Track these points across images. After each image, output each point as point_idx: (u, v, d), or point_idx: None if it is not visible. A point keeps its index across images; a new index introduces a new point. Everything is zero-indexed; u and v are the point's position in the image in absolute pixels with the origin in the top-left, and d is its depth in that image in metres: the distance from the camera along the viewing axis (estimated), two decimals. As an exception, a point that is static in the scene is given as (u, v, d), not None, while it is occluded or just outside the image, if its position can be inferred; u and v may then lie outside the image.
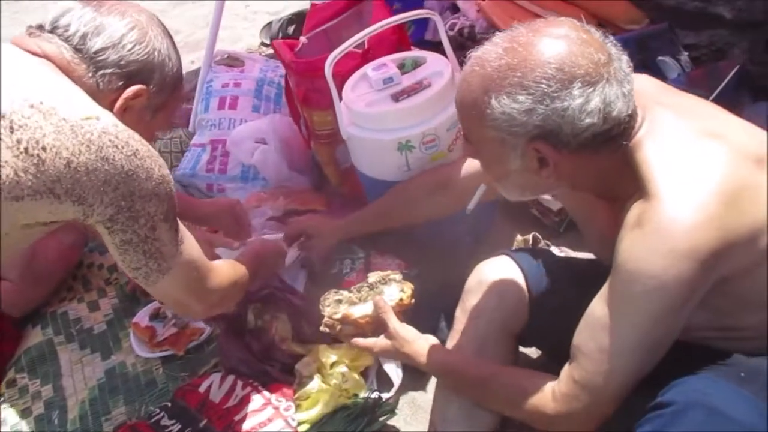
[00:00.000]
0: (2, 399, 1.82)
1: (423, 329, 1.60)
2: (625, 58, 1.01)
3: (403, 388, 1.65)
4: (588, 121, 0.97)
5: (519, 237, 1.90)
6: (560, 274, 1.41)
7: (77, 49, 1.09)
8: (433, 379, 1.57)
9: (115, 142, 0.99)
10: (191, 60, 3.41)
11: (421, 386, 1.66)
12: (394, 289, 1.37)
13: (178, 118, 2.72)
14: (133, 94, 1.12)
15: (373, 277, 1.41)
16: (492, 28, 2.33)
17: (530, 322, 1.35)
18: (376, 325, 1.32)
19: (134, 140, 1.02)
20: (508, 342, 1.37)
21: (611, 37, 1.03)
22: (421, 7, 2.63)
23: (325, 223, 1.78)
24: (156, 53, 1.14)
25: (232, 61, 2.55)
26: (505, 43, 1.01)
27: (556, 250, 1.86)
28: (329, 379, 1.61)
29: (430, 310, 1.67)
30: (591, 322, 1.05)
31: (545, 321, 1.32)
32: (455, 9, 2.50)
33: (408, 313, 1.35)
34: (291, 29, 3.23)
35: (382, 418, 1.58)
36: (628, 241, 0.98)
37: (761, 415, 0.94)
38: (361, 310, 1.34)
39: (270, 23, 3.34)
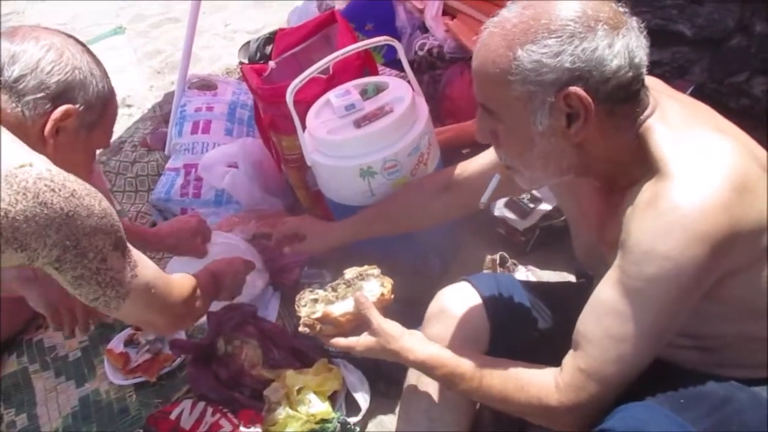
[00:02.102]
0: (-24, 429, 1.83)
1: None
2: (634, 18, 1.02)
3: (371, 412, 1.67)
4: (616, 63, 0.96)
5: (488, 257, 1.91)
6: (521, 300, 1.43)
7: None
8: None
9: (51, 185, 0.99)
10: (171, 81, 3.43)
11: (389, 409, 1.67)
12: (373, 284, 1.30)
13: (155, 141, 2.74)
14: (61, 115, 1.12)
15: (349, 273, 1.34)
16: (460, 48, 2.36)
17: (491, 349, 1.36)
18: (357, 323, 1.26)
19: (70, 181, 1.02)
20: None
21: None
22: (393, 28, 2.66)
23: (318, 224, 1.72)
24: (76, 71, 1.13)
25: (205, 84, 2.57)
26: (521, 3, 1.02)
27: (522, 269, 1.88)
28: (297, 405, 1.63)
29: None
30: (597, 308, 1.03)
31: (506, 347, 1.33)
32: (425, 29, 2.52)
33: (390, 309, 1.28)
34: (269, 48, 3.24)
35: (350, 443, 1.60)
36: (641, 221, 0.97)
37: None
38: (341, 308, 1.27)
39: (248, 43, 3.36)
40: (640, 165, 1.02)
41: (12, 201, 0.96)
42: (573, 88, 0.98)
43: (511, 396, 1.10)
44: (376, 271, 1.33)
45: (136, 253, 1.17)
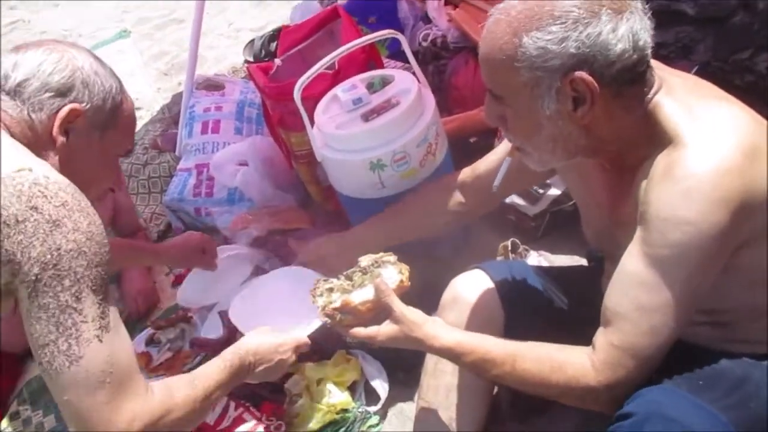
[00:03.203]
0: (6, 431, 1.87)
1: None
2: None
3: (391, 401, 1.70)
4: (620, 47, 0.98)
5: (501, 244, 1.93)
6: (534, 284, 1.45)
7: (1, 90, 1.10)
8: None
9: (45, 192, 0.98)
10: (179, 82, 3.46)
11: (408, 397, 1.70)
12: (391, 271, 1.26)
13: (166, 143, 2.78)
14: (67, 114, 1.11)
15: (365, 260, 1.30)
16: (463, 37, 2.36)
17: (506, 334, 1.38)
18: (377, 311, 1.21)
19: (65, 193, 1.00)
20: None
21: None
22: (396, 19, 2.67)
23: (334, 244, 1.68)
24: (79, 71, 1.13)
25: (212, 84, 2.60)
26: None
27: (534, 255, 1.90)
28: (318, 396, 1.66)
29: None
30: (623, 281, 1.03)
31: (521, 331, 1.35)
32: (428, 20, 2.52)
33: (405, 297, 1.23)
34: (273, 45, 3.26)
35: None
36: (659, 190, 0.98)
37: (713, 422, 0.99)
38: (360, 296, 1.21)
39: (253, 41, 3.38)
40: (650, 141, 1.03)
41: (6, 204, 0.96)
42: (578, 73, 0.99)
43: (548, 378, 1.08)
44: (393, 257, 1.30)
45: (117, 320, 1.03)
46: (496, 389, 1.53)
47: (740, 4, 1.90)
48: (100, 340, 0.98)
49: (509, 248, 1.89)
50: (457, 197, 1.57)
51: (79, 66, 1.14)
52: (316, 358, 1.74)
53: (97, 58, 1.19)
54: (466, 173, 1.57)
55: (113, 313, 1.02)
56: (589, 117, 1.04)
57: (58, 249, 0.96)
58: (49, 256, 0.96)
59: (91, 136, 1.16)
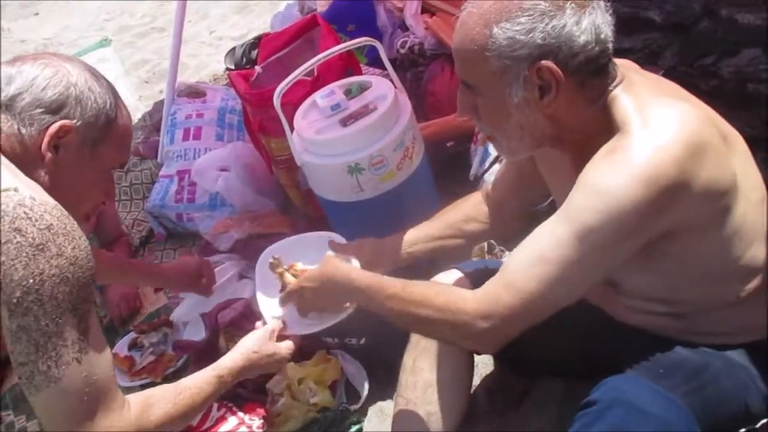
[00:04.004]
0: (-11, 438, 1.87)
1: (389, 342, 1.69)
2: None
3: (371, 399, 1.73)
4: (583, 38, 1.04)
5: (476, 246, 1.97)
6: None
7: None
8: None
9: (29, 214, 0.97)
10: (160, 90, 3.48)
11: (388, 396, 1.73)
12: None
13: (147, 150, 2.80)
14: (57, 131, 1.09)
15: None
16: (440, 44, 2.42)
17: None
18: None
19: (50, 215, 0.99)
20: (462, 351, 1.45)
21: None
22: (375, 27, 2.72)
23: (369, 250, 1.58)
24: (72, 87, 1.12)
25: (194, 91, 2.63)
26: None
27: (508, 256, 1.95)
28: (299, 395, 1.70)
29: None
30: (536, 232, 1.09)
31: None
32: (406, 27, 2.58)
33: None
34: (254, 53, 3.30)
35: (351, 430, 1.66)
36: (596, 165, 1.05)
37: (672, 408, 1.05)
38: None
39: (234, 48, 3.41)
40: (606, 133, 1.09)
41: None
42: (545, 62, 1.06)
43: (430, 300, 1.14)
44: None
45: (97, 338, 1.03)
46: (473, 388, 1.58)
47: (704, 12, 1.97)
48: (79, 362, 0.99)
49: (485, 249, 1.94)
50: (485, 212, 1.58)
51: (73, 82, 1.12)
52: (297, 358, 1.77)
53: (93, 72, 1.18)
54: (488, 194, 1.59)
55: (93, 328, 1.02)
56: (554, 106, 1.09)
57: (41, 274, 0.96)
58: (31, 281, 0.95)
59: (82, 151, 1.14)
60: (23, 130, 1.09)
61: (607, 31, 1.07)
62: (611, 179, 1.02)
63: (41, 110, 1.09)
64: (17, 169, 1.06)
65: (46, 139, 1.09)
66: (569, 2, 1.05)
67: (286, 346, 1.43)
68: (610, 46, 1.09)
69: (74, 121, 1.11)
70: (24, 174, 1.06)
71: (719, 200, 1.06)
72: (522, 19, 1.05)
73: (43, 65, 1.12)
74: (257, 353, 1.37)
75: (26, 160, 1.08)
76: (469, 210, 1.58)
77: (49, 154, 1.09)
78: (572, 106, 1.10)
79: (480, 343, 1.14)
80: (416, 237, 1.58)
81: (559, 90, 1.07)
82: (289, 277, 1.48)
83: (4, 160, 1.06)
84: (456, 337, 1.16)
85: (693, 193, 1.02)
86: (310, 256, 1.54)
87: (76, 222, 1.03)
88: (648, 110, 1.06)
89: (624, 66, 1.16)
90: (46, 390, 0.98)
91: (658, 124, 1.03)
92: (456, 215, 1.59)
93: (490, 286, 1.10)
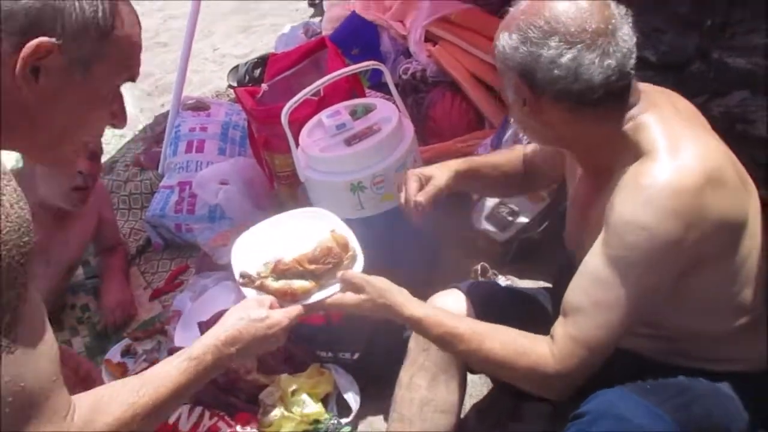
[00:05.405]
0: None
1: (382, 357, 1.71)
2: (627, 38, 1.12)
3: (362, 413, 1.76)
4: (557, 72, 1.09)
5: (472, 268, 2.03)
6: (506, 306, 1.54)
7: None
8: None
9: None
10: (161, 103, 3.54)
11: (379, 410, 1.76)
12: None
13: (148, 161, 2.84)
14: (33, 51, 0.83)
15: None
16: (442, 72, 2.49)
17: None
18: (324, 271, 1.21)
19: None
20: (458, 371, 1.48)
21: (629, 19, 1.14)
22: (378, 52, 2.80)
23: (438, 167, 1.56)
24: None
25: (199, 105, 2.68)
26: None
27: (502, 279, 2.00)
28: (291, 406, 1.72)
29: (388, 336, 1.78)
30: (584, 277, 1.13)
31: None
32: (409, 54, 2.66)
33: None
34: (257, 72, 3.37)
35: (341, 443, 1.69)
36: (623, 196, 1.09)
37: (659, 421, 1.11)
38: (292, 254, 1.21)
39: (237, 66, 3.48)
40: (627, 152, 1.14)
41: None
42: (520, 80, 1.15)
43: (512, 361, 1.15)
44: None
45: (29, 337, 0.82)
46: (463, 413, 1.60)
47: (697, 54, 2.05)
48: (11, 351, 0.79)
49: (479, 272, 1.99)
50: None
51: None
52: (291, 370, 1.80)
53: None
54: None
55: (27, 321, 0.81)
56: (534, 117, 1.17)
57: None
58: None
59: (71, 73, 0.88)
60: None
61: (593, 71, 1.09)
62: (643, 215, 1.07)
63: (13, 25, 0.84)
64: None
65: (19, 64, 0.83)
66: (556, 36, 1.10)
67: (284, 311, 1.15)
68: (597, 88, 1.10)
69: (54, 39, 0.85)
70: None
71: (732, 233, 1.12)
72: (514, 36, 1.14)
73: None
74: (244, 319, 1.10)
75: (3, 89, 0.84)
76: (513, 157, 1.63)
77: (24, 84, 0.84)
78: (565, 122, 1.16)
79: (554, 393, 1.17)
80: (478, 159, 1.66)
81: (532, 106, 1.16)
82: (272, 283, 1.20)
83: None
84: (533, 388, 1.19)
85: (711, 223, 1.08)
86: (299, 239, 1.28)
87: (15, 181, 0.82)
88: (676, 140, 1.11)
89: (663, 94, 1.22)
90: None
91: (683, 152, 1.09)
92: (502, 157, 1.64)
93: (563, 343, 1.12)
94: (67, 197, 2.12)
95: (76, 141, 0.94)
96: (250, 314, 1.11)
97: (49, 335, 0.85)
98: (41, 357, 0.83)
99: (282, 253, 1.23)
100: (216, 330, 1.08)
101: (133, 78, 0.97)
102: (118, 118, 0.96)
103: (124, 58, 0.93)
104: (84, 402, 0.88)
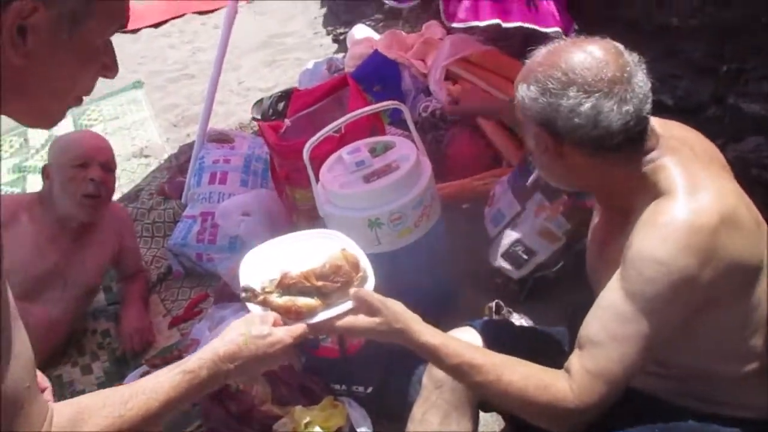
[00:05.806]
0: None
1: (395, 392, 1.73)
2: (642, 84, 1.15)
3: (374, 447, 1.77)
4: (577, 121, 1.13)
5: (486, 306, 2.04)
6: (519, 344, 1.55)
7: None
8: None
9: None
10: (187, 134, 3.62)
11: (392, 444, 1.78)
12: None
13: (172, 190, 2.91)
14: (17, 11, 0.77)
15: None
16: (461, 111, 2.55)
17: None
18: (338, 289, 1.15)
19: None
20: (470, 408, 1.49)
21: (642, 66, 1.17)
22: (399, 90, 2.86)
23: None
24: None
25: (223, 138, 2.75)
26: (550, 47, 1.21)
27: (516, 317, 2.01)
28: (304, 438, 1.74)
29: (402, 372, 1.80)
30: (600, 311, 1.15)
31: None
32: (429, 92, 2.72)
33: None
34: (281, 105, 3.46)
35: (353, 476, 1.70)
36: (642, 233, 1.12)
37: None
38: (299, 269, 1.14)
39: (261, 100, 3.57)
40: (646, 193, 1.17)
41: None
42: (541, 128, 1.19)
43: (531, 395, 1.13)
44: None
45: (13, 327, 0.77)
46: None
47: (713, 99, 2.09)
48: None
49: (493, 309, 2.00)
50: None
51: None
52: (305, 401, 1.82)
53: None
54: None
55: (2, 333, 0.76)
56: (554, 162, 1.22)
57: None
58: None
59: (58, 32, 0.81)
60: None
61: (613, 117, 1.12)
62: (660, 251, 1.09)
63: None
64: None
65: (5, 26, 0.77)
66: (575, 86, 1.14)
67: (287, 329, 1.08)
68: (617, 134, 1.14)
69: None
70: None
71: (746, 275, 1.14)
72: (533, 87, 1.17)
73: None
74: (245, 335, 1.04)
75: None
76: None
77: (11, 49, 0.78)
78: (588, 166, 1.20)
79: (569, 429, 1.17)
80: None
81: (553, 154, 1.20)
82: (276, 299, 1.13)
83: None
84: (551, 423, 1.18)
85: (724, 262, 1.10)
86: (309, 256, 1.21)
87: None
88: (694, 181, 1.14)
89: (681, 132, 1.26)
90: None
91: (701, 193, 1.12)
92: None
93: (581, 378, 1.12)
94: (80, 205, 2.18)
95: (70, 100, 0.88)
96: (252, 330, 1.04)
97: (22, 341, 0.79)
98: (12, 365, 0.77)
99: (290, 267, 1.17)
100: (215, 344, 1.02)
101: (123, 25, 0.90)
102: (110, 69, 0.89)
103: (112, 8, 0.87)
104: (64, 411, 0.83)
